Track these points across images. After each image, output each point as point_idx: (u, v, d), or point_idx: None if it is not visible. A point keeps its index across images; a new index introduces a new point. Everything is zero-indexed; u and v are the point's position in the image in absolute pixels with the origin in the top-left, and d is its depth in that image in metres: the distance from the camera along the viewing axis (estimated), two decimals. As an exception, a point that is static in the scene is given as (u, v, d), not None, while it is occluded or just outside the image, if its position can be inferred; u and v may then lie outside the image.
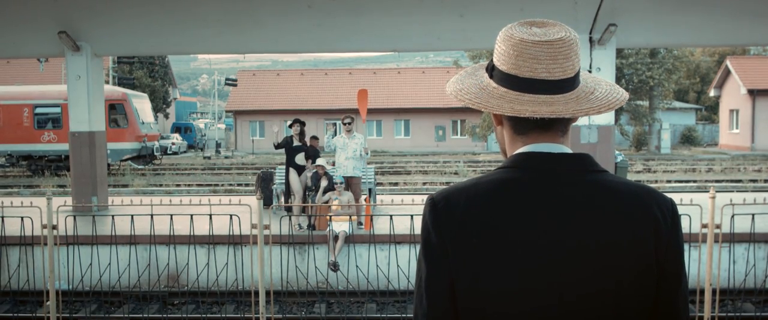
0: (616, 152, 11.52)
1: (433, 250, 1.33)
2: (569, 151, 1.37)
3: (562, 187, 1.31)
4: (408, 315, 7.42)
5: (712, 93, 40.43)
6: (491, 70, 1.40)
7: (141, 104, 25.08)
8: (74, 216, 8.01)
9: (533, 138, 1.37)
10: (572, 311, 1.27)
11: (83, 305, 7.93)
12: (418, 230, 7.63)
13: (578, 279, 1.27)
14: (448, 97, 1.40)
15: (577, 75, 1.37)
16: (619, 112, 34.26)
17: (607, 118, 10.66)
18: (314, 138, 10.48)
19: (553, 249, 1.27)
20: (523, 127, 1.38)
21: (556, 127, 1.37)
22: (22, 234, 7.50)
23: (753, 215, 7.29)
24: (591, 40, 10.43)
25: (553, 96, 1.33)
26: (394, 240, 7.90)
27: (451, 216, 1.31)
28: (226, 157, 34.51)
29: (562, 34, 1.34)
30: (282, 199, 10.41)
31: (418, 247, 1.40)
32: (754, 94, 34.65)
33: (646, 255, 1.31)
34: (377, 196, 12.49)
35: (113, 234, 7.84)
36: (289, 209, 9.47)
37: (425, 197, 1.40)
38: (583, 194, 1.31)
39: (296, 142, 9.89)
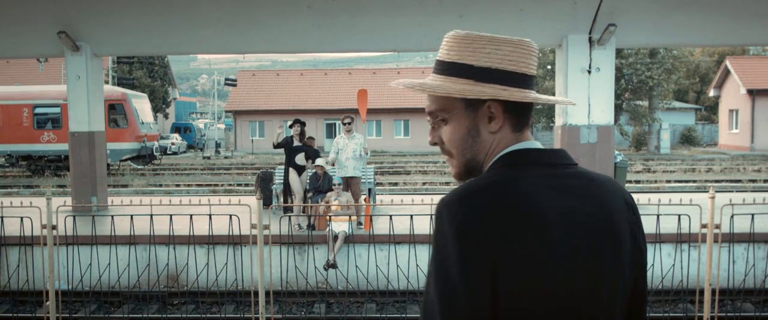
0: (616, 152, 11.51)
1: (469, 255, 1.25)
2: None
3: (566, 181, 1.36)
4: (408, 315, 7.41)
5: (711, 93, 40.44)
6: (487, 75, 1.39)
7: (140, 104, 25.08)
8: (74, 217, 8.01)
9: (525, 135, 1.43)
10: (599, 301, 1.32)
11: (83, 305, 7.93)
12: (417, 230, 7.55)
13: (602, 270, 1.32)
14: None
15: None
16: (618, 112, 34.29)
17: (606, 118, 10.66)
18: (310, 138, 10.47)
19: (577, 243, 1.30)
20: (522, 123, 1.43)
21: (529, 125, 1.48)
22: (22, 234, 7.50)
23: (752, 215, 7.29)
24: (590, 40, 10.43)
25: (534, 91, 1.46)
26: (393, 240, 7.90)
27: (484, 217, 1.28)
28: (226, 157, 34.51)
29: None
30: (282, 199, 10.41)
31: (432, 253, 1.30)
32: (753, 94, 34.66)
33: (634, 238, 1.40)
34: (377, 196, 12.49)
35: (113, 234, 7.84)
36: (288, 209, 9.47)
37: (440, 198, 1.33)
38: (581, 186, 1.37)
39: (296, 142, 9.89)
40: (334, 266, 8.30)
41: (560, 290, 1.28)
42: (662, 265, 7.83)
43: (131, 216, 7.76)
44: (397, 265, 7.98)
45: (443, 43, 1.46)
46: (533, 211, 1.28)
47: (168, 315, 7.48)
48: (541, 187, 1.32)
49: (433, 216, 1.34)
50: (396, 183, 19.54)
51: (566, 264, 1.28)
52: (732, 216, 7.21)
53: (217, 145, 38.18)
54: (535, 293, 1.26)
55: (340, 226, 8.58)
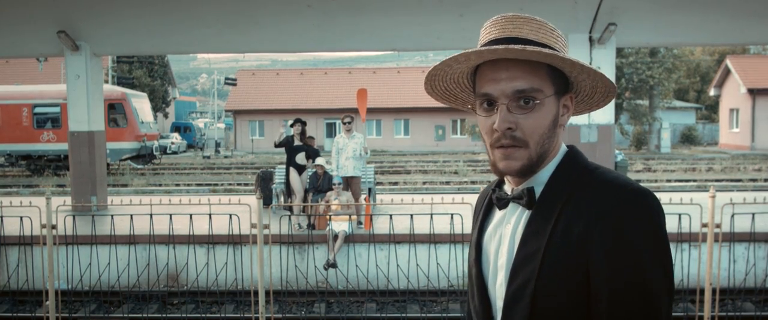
0: (616, 151, 11.51)
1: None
2: None
3: None
4: (407, 315, 7.41)
5: (712, 92, 40.42)
6: None
7: (140, 104, 25.06)
8: (73, 216, 8.01)
9: None
10: None
11: (82, 305, 7.92)
12: (417, 230, 7.52)
13: None
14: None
15: None
16: (619, 112, 34.27)
17: (606, 117, 10.65)
18: (310, 138, 10.47)
19: None
20: None
21: None
22: (22, 233, 7.49)
23: (753, 214, 7.29)
24: (591, 40, 10.42)
25: None
26: (393, 239, 7.89)
27: None
28: (226, 157, 34.50)
29: None
30: (282, 199, 10.40)
31: (657, 252, 1.25)
32: (753, 93, 34.63)
33: None
34: (377, 196, 12.48)
35: (112, 233, 7.83)
36: (288, 208, 9.46)
37: (634, 190, 1.25)
38: None
39: (297, 142, 9.88)
40: (334, 266, 8.29)
41: None
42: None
43: (131, 215, 7.76)
44: (397, 265, 7.97)
45: (513, 22, 1.30)
46: None
47: (168, 315, 7.48)
48: None
49: (634, 209, 1.24)
50: (396, 183, 19.53)
51: None
52: (732, 216, 7.20)
53: (217, 145, 38.16)
54: None
55: (340, 226, 8.57)
